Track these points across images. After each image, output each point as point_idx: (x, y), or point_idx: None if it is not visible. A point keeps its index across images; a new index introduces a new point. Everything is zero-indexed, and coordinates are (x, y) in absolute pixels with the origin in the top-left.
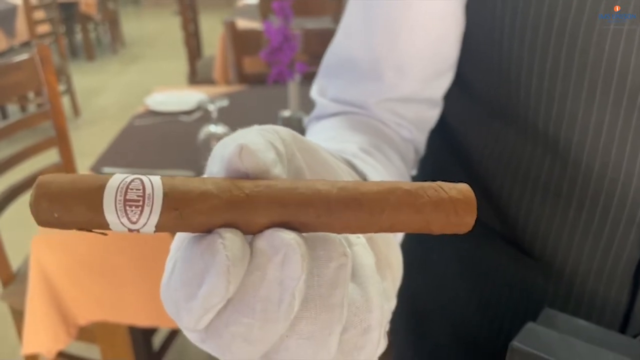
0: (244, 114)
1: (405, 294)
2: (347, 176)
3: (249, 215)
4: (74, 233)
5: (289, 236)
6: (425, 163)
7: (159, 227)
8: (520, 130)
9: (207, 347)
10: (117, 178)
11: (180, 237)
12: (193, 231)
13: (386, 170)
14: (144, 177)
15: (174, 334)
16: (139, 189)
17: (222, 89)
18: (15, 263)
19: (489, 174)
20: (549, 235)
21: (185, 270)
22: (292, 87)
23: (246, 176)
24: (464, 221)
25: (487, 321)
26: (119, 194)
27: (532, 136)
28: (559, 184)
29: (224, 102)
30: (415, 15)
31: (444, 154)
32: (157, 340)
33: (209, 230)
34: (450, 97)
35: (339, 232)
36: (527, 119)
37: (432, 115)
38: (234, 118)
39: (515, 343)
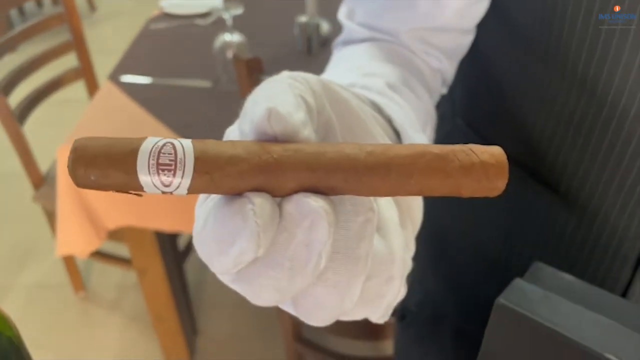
0: (260, 20)
1: (426, 217)
2: (375, 127)
3: (277, 179)
4: None
5: (317, 204)
6: (454, 91)
7: (191, 190)
8: (558, 70)
9: (237, 288)
10: (150, 142)
11: None
12: (224, 194)
13: (412, 107)
14: (175, 142)
15: None
16: (171, 153)
17: None
18: (43, 165)
19: (522, 109)
20: (577, 171)
21: (217, 228)
22: None
23: (275, 139)
24: (495, 185)
25: (508, 245)
26: (151, 158)
27: (570, 76)
28: (592, 123)
29: (239, 11)
30: None
31: (474, 83)
32: (182, 242)
33: (239, 193)
34: (485, 26)
35: (366, 196)
36: (567, 58)
37: (464, 42)
38: (250, 25)
39: (501, 300)
